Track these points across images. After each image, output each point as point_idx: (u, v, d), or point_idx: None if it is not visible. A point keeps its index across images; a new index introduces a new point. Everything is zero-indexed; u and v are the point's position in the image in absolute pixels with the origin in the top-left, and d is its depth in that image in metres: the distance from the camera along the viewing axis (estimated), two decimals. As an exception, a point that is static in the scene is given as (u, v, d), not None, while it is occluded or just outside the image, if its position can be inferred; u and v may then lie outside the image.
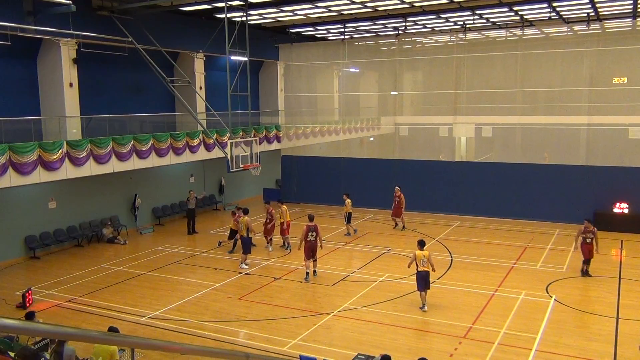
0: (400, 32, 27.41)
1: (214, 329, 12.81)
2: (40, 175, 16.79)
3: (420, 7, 22.37)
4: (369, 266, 17.55)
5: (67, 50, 18.97)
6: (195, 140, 22.74)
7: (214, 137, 22.90)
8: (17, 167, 16.02)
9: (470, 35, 27.92)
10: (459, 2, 21.49)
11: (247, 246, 17.39)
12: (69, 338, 6.76)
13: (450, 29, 27.52)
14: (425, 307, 13.59)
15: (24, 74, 19.25)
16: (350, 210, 21.51)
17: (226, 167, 20.51)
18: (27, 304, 14.18)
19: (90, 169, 18.37)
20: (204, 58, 24.91)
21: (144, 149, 20.24)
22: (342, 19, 25.14)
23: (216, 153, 23.65)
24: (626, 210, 21.59)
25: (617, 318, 13.11)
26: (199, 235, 22.20)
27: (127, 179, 22.46)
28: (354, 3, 21.41)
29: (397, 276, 16.27)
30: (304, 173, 28.40)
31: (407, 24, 26.19)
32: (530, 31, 26.60)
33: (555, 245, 19.78)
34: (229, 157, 20.24)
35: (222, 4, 19.31)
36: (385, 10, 23.25)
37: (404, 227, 22.17)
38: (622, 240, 19.97)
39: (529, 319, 13.01)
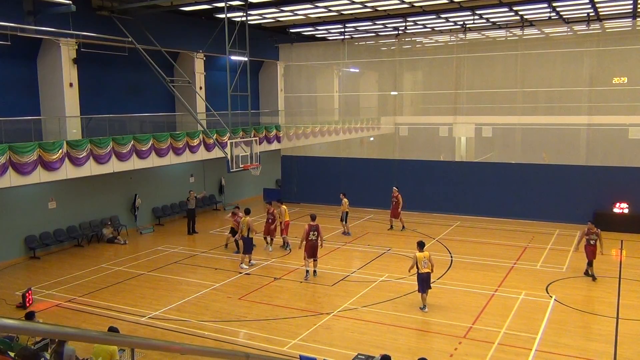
0: (400, 32, 27.40)
1: (214, 329, 12.81)
2: (40, 175, 16.79)
3: (420, 7, 22.37)
4: (369, 266, 17.55)
5: (67, 50, 18.97)
6: (195, 140, 22.74)
7: (214, 137, 22.90)
8: (17, 167, 16.02)
9: (470, 35, 27.92)
10: (459, 2, 21.48)
11: (248, 246, 17.37)
12: (69, 338, 6.76)
13: (450, 29, 27.52)
14: (426, 308, 13.59)
15: (24, 74, 19.25)
16: (347, 210, 21.52)
17: (226, 167, 20.51)
18: (27, 304, 14.18)
19: (90, 169, 18.37)
20: (204, 58, 24.92)
21: (144, 149, 20.24)
22: (342, 19, 25.13)
23: (216, 153, 23.65)
24: (626, 210, 21.59)
25: (617, 318, 13.11)
26: (199, 235, 22.21)
27: (127, 179, 22.46)
28: (354, 3, 21.41)
29: (397, 276, 16.27)
30: (304, 173, 28.40)
31: (407, 24, 26.19)
32: (530, 31, 26.60)
33: (555, 245, 19.78)
34: (229, 157, 20.24)
35: (222, 4, 19.31)
36: (385, 10, 23.25)
37: (403, 227, 22.16)
38: (622, 240, 19.97)
39: (529, 319, 13.01)
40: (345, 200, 21.52)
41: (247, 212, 17.92)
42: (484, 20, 25.59)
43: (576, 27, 25.38)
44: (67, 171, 17.61)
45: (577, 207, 22.30)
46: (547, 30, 26.71)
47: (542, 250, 19.03)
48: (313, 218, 16.74)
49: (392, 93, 29.65)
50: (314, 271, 16.47)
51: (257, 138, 22.80)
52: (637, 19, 23.79)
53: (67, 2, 16.09)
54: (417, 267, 13.57)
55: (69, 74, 19.08)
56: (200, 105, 24.25)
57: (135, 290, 15.62)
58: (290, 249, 19.28)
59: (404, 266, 17.09)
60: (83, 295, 15.28)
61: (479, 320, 12.98)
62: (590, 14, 23.10)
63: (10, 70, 18.95)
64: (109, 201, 22.20)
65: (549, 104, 25.92)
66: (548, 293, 14.77)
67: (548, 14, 23.34)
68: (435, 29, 28.09)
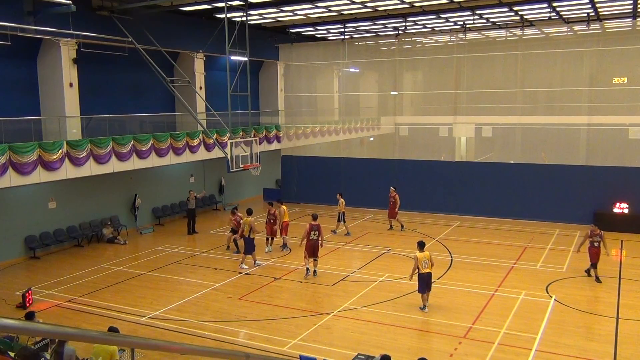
0: (400, 32, 27.40)
1: (214, 329, 12.81)
2: (40, 175, 16.79)
3: (420, 7, 22.37)
4: (369, 266, 17.55)
5: (67, 50, 18.97)
6: (195, 140, 22.74)
7: (214, 137, 22.90)
8: (17, 167, 16.02)
9: (470, 35, 27.92)
10: (459, 2, 21.48)
11: (250, 246, 17.35)
12: (69, 338, 6.76)
13: (450, 29, 27.52)
14: (426, 309, 13.59)
15: (24, 74, 19.25)
16: (344, 210, 21.53)
17: (226, 167, 20.52)
18: (27, 304, 14.18)
19: (90, 169, 18.37)
20: (204, 58, 24.92)
21: (144, 149, 20.24)
22: (342, 19, 25.13)
23: (216, 153, 23.65)
24: (626, 210, 21.59)
25: (617, 318, 13.11)
26: (199, 235, 22.21)
27: (127, 179, 22.46)
28: (354, 3, 21.41)
29: (397, 276, 16.27)
30: (304, 173, 28.40)
31: (407, 24, 26.19)
32: (530, 31, 26.60)
33: (555, 245, 19.78)
34: (229, 157, 20.24)
35: (222, 4, 19.32)
36: (385, 10, 23.25)
37: (402, 227, 22.13)
38: (622, 240, 19.97)
39: (529, 319, 13.01)
40: (342, 200, 21.53)
41: (249, 212, 17.86)
42: (484, 20, 25.59)
43: (576, 27, 25.38)
44: (67, 171, 17.61)
45: (577, 207, 22.33)
46: (547, 30, 26.72)
47: (542, 250, 19.04)
48: (314, 218, 16.80)
49: (392, 93, 29.65)
50: (314, 271, 16.48)
51: (257, 138, 22.80)
52: (637, 19, 23.79)
53: (67, 2, 16.10)
54: (418, 268, 13.56)
55: (69, 74, 19.08)
56: (200, 105, 24.25)
57: (135, 290, 15.62)
58: (290, 249, 19.29)
59: (404, 266, 17.15)
60: (83, 295, 15.28)
61: (479, 320, 12.99)
62: (590, 14, 23.10)
63: (10, 70, 18.95)
64: (109, 201, 22.20)
65: (549, 104, 25.90)
66: (548, 293, 14.77)
67: (548, 14, 23.34)
68: (435, 29, 28.09)
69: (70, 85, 19.14)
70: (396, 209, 21.98)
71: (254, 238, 17.35)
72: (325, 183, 27.08)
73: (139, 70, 21.95)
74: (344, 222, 21.63)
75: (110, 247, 20.61)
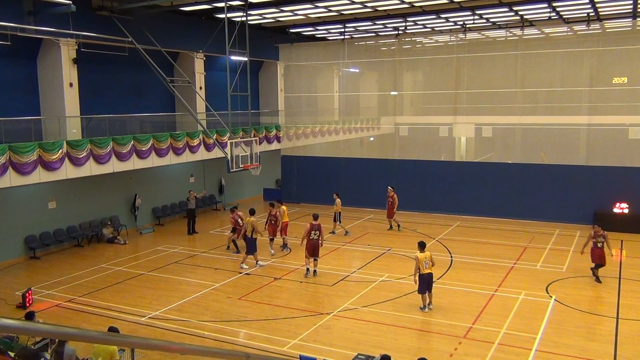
0: (400, 32, 27.41)
1: (214, 329, 12.81)
2: (40, 175, 16.79)
3: (420, 7, 22.37)
4: (369, 266, 17.55)
5: (67, 50, 18.98)
6: (195, 140, 22.74)
7: (214, 137, 22.90)
8: (17, 167, 16.02)
9: (470, 35, 27.92)
10: (459, 2, 21.49)
11: (251, 247, 17.34)
12: (69, 338, 6.76)
13: (450, 29, 27.52)
14: (426, 309, 13.58)
15: (24, 74, 19.25)
16: (340, 210, 21.53)
17: (226, 167, 20.51)
18: (27, 304, 14.18)
19: (90, 169, 18.37)
20: (204, 58, 24.92)
21: (144, 149, 20.24)
22: (342, 19, 25.13)
23: (216, 153, 23.65)
24: (626, 210, 21.59)
25: (617, 318, 13.11)
26: (199, 235, 22.21)
27: (127, 179, 22.46)
28: (354, 3, 21.41)
29: (397, 276, 16.27)
30: (304, 173, 28.40)
31: (407, 24, 26.19)
32: (530, 31, 26.60)
33: (555, 245, 19.78)
34: (229, 157, 20.24)
35: (222, 4, 19.32)
36: (385, 10, 23.25)
37: (399, 226, 22.10)
38: (622, 240, 19.96)
39: (529, 319, 13.01)
40: (339, 200, 21.54)
41: (252, 212, 17.82)
42: (484, 20, 25.59)
43: (576, 27, 25.38)
44: (67, 171, 17.61)
45: (577, 207, 22.34)
46: (547, 30, 26.72)
47: (542, 250, 19.03)
48: (315, 217, 16.84)
49: (392, 93, 29.65)
50: (314, 271, 16.50)
51: (257, 138, 22.80)
52: (637, 19, 23.80)
53: (67, 2, 16.09)
54: (419, 268, 13.54)
55: (69, 74, 19.08)
56: (200, 105, 24.25)
57: (135, 290, 15.62)
58: (290, 249, 19.29)
59: (404, 266, 17.16)
60: (83, 295, 15.28)
61: (479, 320, 12.98)
62: (590, 14, 23.10)
63: (10, 70, 18.95)
64: (109, 201, 22.20)
65: (549, 104, 25.91)
66: (548, 293, 14.77)
67: (548, 14, 23.35)
68: (435, 29, 28.09)
69: (70, 85, 19.14)
70: (394, 209, 21.94)
71: (256, 238, 17.30)
72: (325, 183, 27.09)
73: (139, 70, 21.95)
74: (340, 221, 21.60)
75: (110, 247, 20.61)
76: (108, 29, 19.30)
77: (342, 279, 16.22)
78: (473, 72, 26.61)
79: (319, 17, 24.70)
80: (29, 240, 19.20)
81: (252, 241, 17.23)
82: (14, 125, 17.76)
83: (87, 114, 19.85)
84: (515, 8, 22.54)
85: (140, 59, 20.25)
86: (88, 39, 19.06)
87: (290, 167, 28.83)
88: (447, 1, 21.26)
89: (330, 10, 23.01)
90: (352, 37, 29.19)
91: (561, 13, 23.62)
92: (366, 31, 28.51)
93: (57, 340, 8.37)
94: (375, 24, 26.80)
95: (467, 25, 25.81)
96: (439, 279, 15.67)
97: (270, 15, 23.80)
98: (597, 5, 21.78)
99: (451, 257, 18.39)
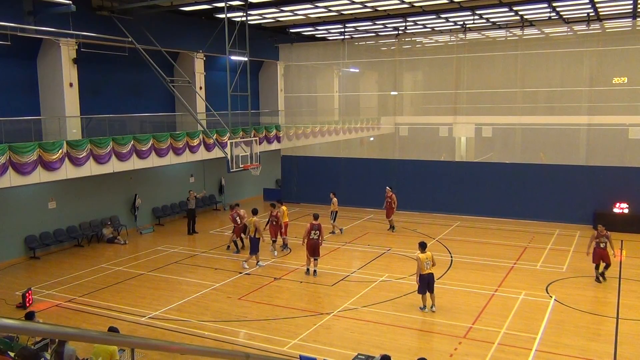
0: (400, 32, 27.41)
1: (214, 329, 12.81)
2: (40, 175, 16.79)
3: (420, 7, 22.37)
4: (369, 266, 17.55)
5: (67, 50, 18.97)
6: (195, 140, 22.73)
7: (214, 137, 22.90)
8: (17, 167, 16.02)
9: (470, 35, 27.92)
10: (459, 2, 21.48)
11: (255, 247, 17.35)
12: (69, 338, 6.76)
13: (450, 29, 27.52)
14: (426, 309, 13.58)
15: (24, 74, 19.25)
16: (337, 209, 21.52)
17: (226, 167, 20.52)
18: (27, 304, 14.18)
19: (90, 169, 18.37)
20: (204, 58, 24.92)
21: (144, 149, 20.24)
22: (342, 19, 25.13)
23: (216, 153, 23.65)
24: (626, 210, 21.59)
25: (617, 318, 13.11)
26: (199, 235, 22.20)
27: (127, 179, 22.46)
28: (354, 3, 21.41)
29: (397, 276, 16.28)
30: (304, 173, 28.40)
31: (407, 24, 26.19)
32: (530, 31, 26.60)
33: (555, 245, 19.78)
34: (229, 157, 20.24)
35: (222, 4, 19.32)
36: (385, 10, 23.25)
37: (393, 228, 21.99)
38: (622, 240, 19.96)
39: (529, 319, 13.01)
40: (335, 199, 21.54)
41: (255, 212, 17.78)
42: (484, 20, 25.59)
43: (576, 27, 25.38)
44: (67, 171, 17.61)
45: (577, 207, 22.35)
46: (547, 30, 26.71)
47: (542, 250, 19.04)
48: (316, 217, 16.89)
49: (392, 93, 29.65)
50: (314, 271, 16.51)
51: (257, 138, 22.80)
52: (637, 19, 23.80)
53: (67, 2, 16.09)
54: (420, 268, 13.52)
55: (69, 74, 19.08)
56: (200, 105, 24.25)
57: (135, 290, 15.62)
58: (290, 249, 19.29)
59: (404, 266, 17.16)
60: (83, 295, 15.28)
61: (479, 320, 12.99)
62: (590, 14, 23.10)
63: (10, 70, 18.95)
64: (109, 201, 22.20)
65: (549, 104, 25.90)
66: (548, 293, 14.77)
67: (548, 14, 23.35)
68: (435, 29, 28.09)
69: (70, 85, 19.14)
70: (393, 209, 21.85)
71: (259, 238, 17.28)
72: (325, 183, 27.07)
73: (139, 70, 21.95)
74: (334, 220, 21.56)
75: (110, 247, 20.61)
76: (108, 29, 19.30)
77: (342, 279, 16.22)
78: (473, 72, 26.60)
79: (319, 17, 24.70)
80: (29, 240, 19.20)
81: (255, 241, 17.23)
82: (14, 125, 17.76)
83: (87, 114, 19.85)
84: (515, 8, 22.54)
85: (140, 59, 20.25)
86: (88, 39, 19.06)
87: (290, 167, 28.83)
88: (447, 1, 21.26)
89: (330, 10, 23.01)
90: (352, 37, 29.19)
91: (561, 13, 23.62)
92: (366, 31, 28.51)
93: (57, 340, 8.37)
94: (375, 24, 26.80)
95: (467, 25, 25.81)
96: (439, 278, 15.65)
97: (270, 15, 23.80)
98: (597, 5, 21.78)
99: (451, 257, 18.39)
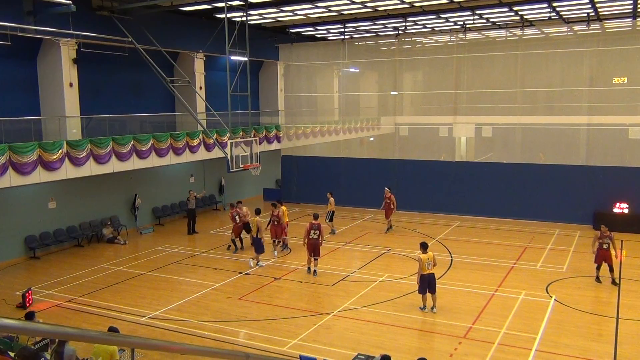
0: (400, 32, 27.41)
1: (214, 329, 12.81)
2: (40, 175, 16.79)
3: (420, 7, 22.37)
4: (369, 266, 17.55)
5: (67, 50, 18.97)
6: (195, 140, 22.73)
7: (214, 137, 22.90)
8: (17, 167, 16.01)
9: (470, 35, 27.92)
10: (459, 2, 21.49)
11: (258, 246, 17.34)
12: (69, 338, 6.76)
13: (450, 29, 27.52)
14: (426, 309, 13.57)
15: (24, 74, 19.25)
16: (334, 209, 21.50)
17: (226, 167, 20.52)
18: (27, 304, 14.18)
19: (90, 169, 18.37)
20: (204, 58, 24.92)
21: (144, 149, 20.24)
22: (342, 19, 25.14)
23: (216, 153, 23.65)
24: (626, 210, 21.59)
25: (617, 318, 13.11)
26: (199, 235, 22.20)
27: (127, 179, 22.46)
28: (354, 3, 21.41)
29: (397, 276, 16.27)
30: (304, 173, 28.40)
31: (407, 24, 26.19)
32: (530, 31, 26.60)
33: (555, 245, 19.78)
34: (229, 157, 20.24)
35: (222, 4, 19.32)
36: (385, 10, 23.25)
37: (389, 229, 21.97)
38: (622, 240, 19.95)
39: (529, 319, 13.01)
40: (332, 199, 21.53)
41: (258, 212, 17.78)
42: (484, 20, 25.59)
43: (576, 27, 25.38)
44: (67, 171, 17.61)
45: (576, 207, 22.35)
46: (547, 30, 26.72)
47: (542, 250, 19.04)
48: (315, 217, 16.92)
49: (392, 93, 29.65)
50: (314, 271, 16.52)
51: (257, 138, 22.81)
52: (637, 19, 23.80)
53: (67, 2, 16.09)
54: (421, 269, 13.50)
55: (69, 74, 19.08)
56: (200, 105, 24.25)
57: (135, 290, 15.62)
58: (290, 249, 19.29)
59: (404, 266, 17.17)
60: (83, 295, 15.28)
61: (479, 320, 12.98)
62: (590, 14, 23.10)
63: (10, 70, 18.95)
64: (109, 201, 22.20)
65: (549, 104, 25.91)
66: (548, 293, 14.77)
67: (548, 14, 23.35)
68: (435, 29, 28.09)
69: (70, 85, 19.14)
70: (392, 210, 21.80)
71: (261, 238, 17.30)
72: (325, 183, 27.05)
73: (139, 70, 21.96)
74: (330, 220, 21.55)
75: (110, 247, 20.61)
76: (108, 29, 19.30)
77: (342, 279, 16.22)
78: (473, 72, 26.61)
79: (319, 17, 24.71)
80: (29, 240, 19.20)
81: (258, 240, 17.24)
82: (14, 125, 17.76)
83: (87, 114, 19.85)
84: (515, 8, 22.54)
85: (140, 59, 20.26)
86: (88, 39, 19.06)
87: (290, 167, 28.83)
88: (447, 1, 21.26)
89: (330, 10, 23.01)
90: (352, 37, 29.19)
91: (561, 13, 23.62)
92: (366, 31, 28.51)
93: (57, 340, 8.37)
94: (375, 24, 26.80)
95: (467, 25, 25.81)
96: (439, 278, 15.63)
97: (270, 15, 23.80)
98: (597, 5, 21.78)
99: (451, 257, 18.39)
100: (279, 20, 25.21)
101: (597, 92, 23.97)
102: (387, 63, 29.97)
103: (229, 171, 20.50)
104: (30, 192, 18.94)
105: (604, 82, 24.20)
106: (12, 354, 8.22)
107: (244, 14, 20.15)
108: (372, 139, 33.56)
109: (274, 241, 18.97)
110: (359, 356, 10.22)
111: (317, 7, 22.10)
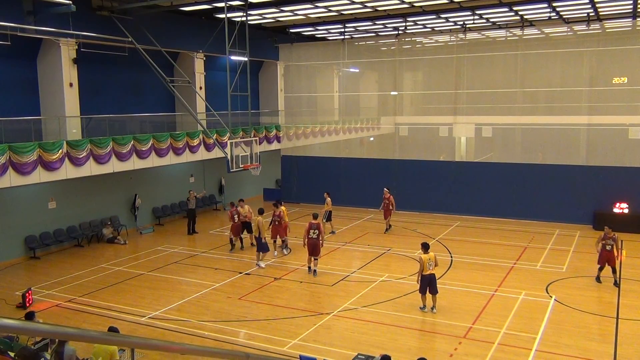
0: (400, 32, 27.41)
1: (214, 329, 12.81)
2: (40, 175, 16.79)
3: (420, 7, 22.37)
4: (369, 266, 17.55)
5: (67, 50, 18.97)
6: (195, 140, 22.73)
7: (214, 137, 22.89)
8: (17, 167, 16.01)
9: (470, 35, 27.92)
10: (459, 2, 21.48)
11: (262, 246, 17.35)
12: (69, 338, 6.76)
13: (450, 29, 27.52)
14: (426, 309, 13.57)
15: (24, 74, 19.25)
16: (331, 209, 21.51)
17: (226, 167, 20.51)
18: (27, 304, 14.18)
19: (90, 169, 18.37)
20: (204, 58, 24.91)
21: (144, 149, 20.23)
22: (342, 19, 25.13)
23: (216, 153, 23.64)
24: (626, 210, 21.59)
25: (617, 318, 13.11)
26: (199, 235, 22.21)
27: (127, 179, 22.45)
28: (354, 3, 21.41)
29: (397, 276, 16.28)
30: (304, 173, 28.40)
31: (407, 24, 26.19)
32: (530, 31, 26.60)
33: (555, 245, 19.78)
34: (229, 157, 20.24)
35: (222, 4, 19.32)
36: (385, 10, 23.25)
37: (387, 229, 21.98)
38: (622, 240, 19.91)
39: (529, 319, 13.01)
40: (329, 199, 21.53)
41: (261, 212, 17.78)
42: (484, 20, 25.59)
43: (576, 27, 25.38)
44: (67, 171, 17.60)
45: (577, 207, 22.35)
46: (547, 30, 26.71)
47: (542, 250, 19.04)
48: (315, 217, 16.93)
49: (392, 93, 29.65)
50: (314, 270, 16.52)
51: (257, 138, 22.80)
52: (637, 19, 23.79)
53: (67, 2, 16.09)
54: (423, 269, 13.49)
55: (69, 74, 19.08)
56: (200, 105, 24.25)
57: (135, 290, 15.62)
58: (290, 249, 19.29)
59: (404, 266, 17.17)
60: (83, 295, 15.28)
61: (479, 320, 12.98)
62: (590, 14, 23.10)
63: (10, 70, 18.95)
64: (109, 201, 22.20)
65: (549, 104, 25.91)
66: (548, 293, 14.77)
67: (548, 14, 23.35)
68: (435, 29, 28.09)
69: (70, 85, 19.14)
70: (391, 210, 21.75)
71: (263, 238, 17.30)
72: (325, 183, 27.03)
73: (139, 70, 21.95)
74: (327, 220, 21.55)
75: (110, 247, 20.60)
76: (108, 29, 19.30)
77: (342, 279, 16.22)
78: (473, 72, 26.61)
79: (319, 17, 24.70)
80: (29, 240, 19.20)
81: (259, 240, 17.27)
82: (14, 125, 17.76)
83: (87, 114, 19.85)
84: (515, 8, 22.54)
85: (140, 59, 20.25)
86: (88, 39, 19.06)
87: (290, 167, 28.83)
88: (447, 1, 21.26)
89: (330, 10, 23.01)
90: (352, 37, 29.18)
91: (561, 13, 23.62)
92: (366, 31, 28.51)
93: (57, 340, 8.37)
94: (375, 24, 26.80)
95: (467, 25, 25.81)
96: (439, 278, 15.63)
97: (270, 15, 23.80)
98: (597, 5, 21.78)
99: (451, 257, 18.39)
100: (279, 20, 25.21)
101: (597, 92, 23.97)
102: (387, 63, 29.97)
103: (229, 171, 20.49)
104: (30, 192, 18.94)
105: (603, 82, 24.20)
106: (12, 354, 8.22)
107: (244, 14, 20.15)
108: (372, 139, 33.56)
109: (274, 241, 18.95)
110: (359, 356, 10.22)
111: (317, 7, 22.10)
